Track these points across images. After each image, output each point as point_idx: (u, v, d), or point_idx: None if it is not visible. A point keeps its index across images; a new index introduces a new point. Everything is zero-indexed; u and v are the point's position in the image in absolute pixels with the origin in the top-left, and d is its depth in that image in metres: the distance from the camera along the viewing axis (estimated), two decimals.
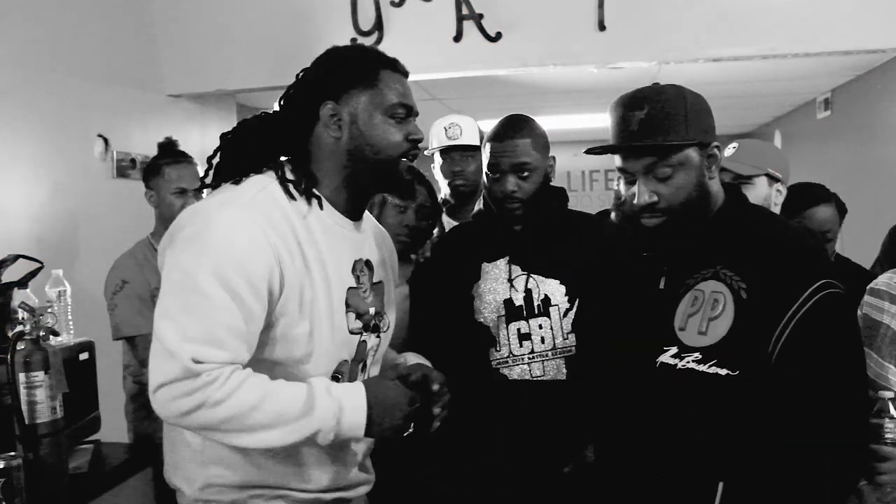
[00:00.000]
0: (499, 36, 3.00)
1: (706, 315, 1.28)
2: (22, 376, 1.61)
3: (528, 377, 1.79)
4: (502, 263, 1.83)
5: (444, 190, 2.51)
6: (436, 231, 2.24)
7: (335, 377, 1.33)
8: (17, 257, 1.89)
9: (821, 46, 2.88)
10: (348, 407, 1.23)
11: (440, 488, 1.88)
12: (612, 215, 2.64)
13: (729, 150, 2.15)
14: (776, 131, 6.92)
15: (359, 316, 1.38)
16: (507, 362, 1.80)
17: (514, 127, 1.82)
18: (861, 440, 1.26)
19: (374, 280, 1.44)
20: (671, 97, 1.30)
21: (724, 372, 1.25)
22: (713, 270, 1.30)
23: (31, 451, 1.62)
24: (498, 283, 1.82)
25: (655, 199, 1.30)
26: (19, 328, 1.66)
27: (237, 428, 1.19)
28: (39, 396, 1.62)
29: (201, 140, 3.66)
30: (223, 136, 1.40)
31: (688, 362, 1.28)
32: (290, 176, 1.33)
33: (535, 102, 5.33)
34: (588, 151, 1.42)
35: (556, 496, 1.75)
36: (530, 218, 1.83)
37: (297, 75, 1.41)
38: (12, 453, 1.55)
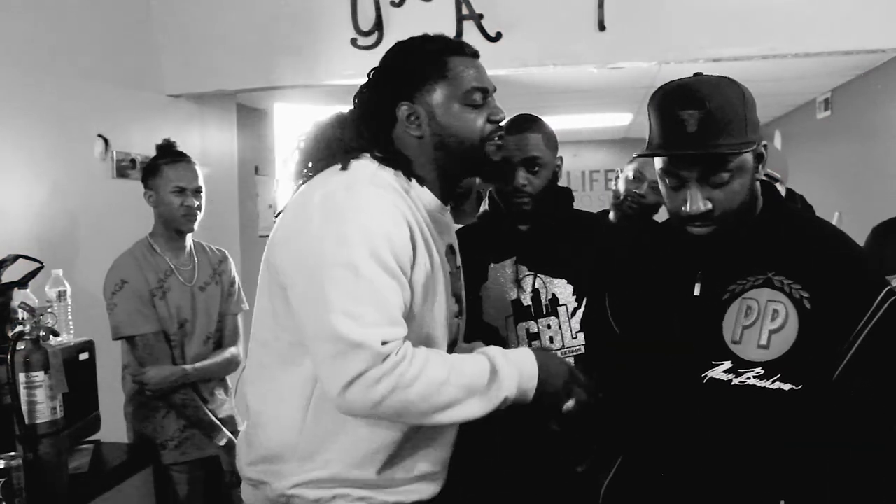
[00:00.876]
0: (499, 36, 3.00)
1: (766, 327, 1.18)
2: (22, 376, 1.61)
3: None
4: (509, 264, 1.83)
5: None
6: None
7: None
8: (17, 257, 1.89)
9: (821, 46, 2.88)
10: (525, 374, 1.25)
11: (453, 489, 1.87)
12: (612, 214, 2.64)
13: None
14: (776, 131, 6.91)
15: (457, 300, 1.41)
16: None
17: (526, 122, 1.83)
18: None
19: (457, 264, 1.47)
20: (731, 93, 1.17)
21: (787, 387, 1.16)
22: (764, 277, 1.20)
23: (31, 451, 1.62)
24: (505, 284, 1.82)
25: (710, 206, 1.18)
26: (19, 328, 1.66)
27: (432, 406, 1.18)
28: (39, 396, 1.62)
29: (201, 140, 3.66)
30: (301, 138, 1.40)
31: (748, 378, 1.18)
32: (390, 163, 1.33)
33: (535, 102, 5.32)
34: (642, 155, 1.31)
35: (567, 496, 1.75)
36: (537, 217, 1.83)
37: (369, 75, 1.40)
38: (12, 453, 1.56)
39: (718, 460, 1.22)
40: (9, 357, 1.62)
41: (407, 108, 1.32)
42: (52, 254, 2.48)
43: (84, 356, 1.97)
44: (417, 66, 1.34)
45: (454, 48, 1.36)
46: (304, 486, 1.28)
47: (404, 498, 1.32)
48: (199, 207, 2.32)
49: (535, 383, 1.26)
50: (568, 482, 1.72)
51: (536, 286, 1.80)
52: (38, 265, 1.92)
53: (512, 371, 1.24)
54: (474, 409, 1.21)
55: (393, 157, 1.33)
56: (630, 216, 2.49)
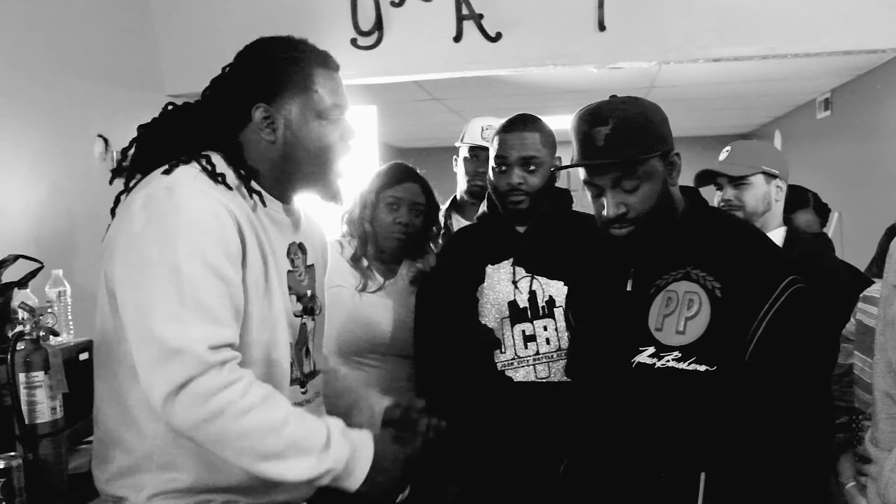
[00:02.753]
0: (499, 36, 3.00)
1: (682, 315, 1.32)
2: (22, 376, 1.61)
3: (533, 379, 1.79)
4: (506, 265, 1.83)
5: (461, 186, 2.50)
6: (434, 229, 2.23)
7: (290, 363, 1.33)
8: (17, 257, 1.89)
9: (821, 46, 2.88)
10: (359, 456, 1.21)
11: (448, 489, 1.88)
12: None
13: (722, 154, 2.17)
14: (776, 131, 6.92)
15: (299, 298, 1.37)
16: (512, 364, 1.80)
17: (524, 121, 1.83)
18: (830, 426, 1.37)
19: (308, 263, 1.44)
20: (632, 110, 1.35)
21: (703, 368, 1.29)
22: (684, 271, 1.35)
23: (31, 451, 1.62)
24: (502, 285, 1.82)
25: (624, 210, 1.34)
26: (19, 328, 1.67)
27: (254, 449, 1.13)
28: (39, 396, 1.62)
29: None
30: (141, 127, 1.39)
31: (667, 361, 1.32)
32: (220, 167, 1.27)
33: (535, 102, 5.32)
34: (556, 169, 1.48)
35: (560, 496, 1.75)
36: (534, 217, 1.83)
37: (224, 69, 1.37)
38: (12, 453, 1.55)
39: (646, 438, 1.35)
40: (9, 357, 1.62)
41: (264, 111, 1.29)
42: (52, 254, 2.48)
43: (84, 356, 1.97)
44: (281, 71, 1.30)
45: (319, 59, 1.34)
46: (163, 497, 1.24)
47: (273, 498, 1.29)
48: None
49: (365, 467, 1.20)
50: (548, 483, 1.72)
51: (533, 288, 1.80)
52: (38, 265, 1.92)
53: (345, 447, 1.19)
54: (297, 470, 1.15)
55: (233, 162, 1.30)
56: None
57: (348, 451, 1.19)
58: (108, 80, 3.04)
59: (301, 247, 1.42)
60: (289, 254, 1.37)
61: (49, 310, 1.77)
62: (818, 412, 1.32)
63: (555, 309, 1.80)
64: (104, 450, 1.30)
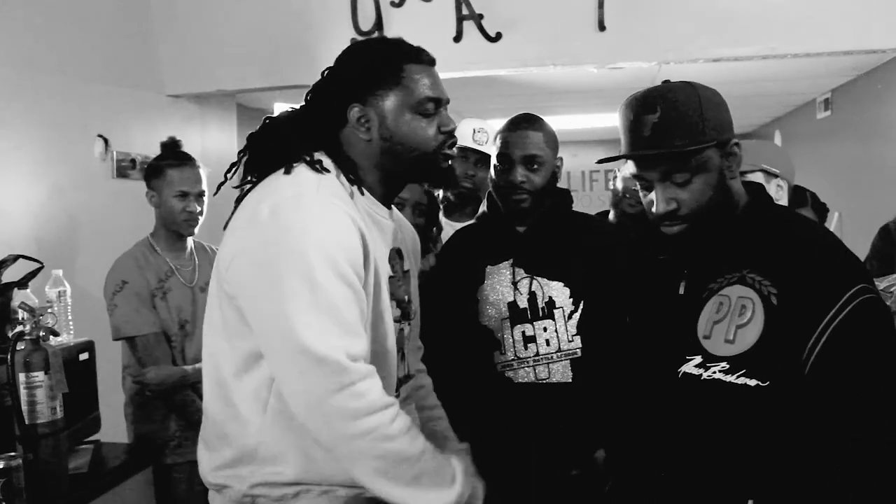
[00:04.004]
0: (499, 36, 3.00)
1: (733, 322, 1.20)
2: (22, 376, 1.61)
3: (533, 380, 1.79)
4: (506, 266, 1.82)
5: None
6: (434, 230, 2.24)
7: None
8: (17, 257, 1.89)
9: (821, 46, 2.88)
10: (476, 495, 1.26)
11: None
12: (611, 214, 2.64)
13: None
14: (776, 131, 6.92)
15: (398, 304, 1.39)
16: (512, 365, 1.80)
17: (527, 120, 1.83)
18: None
19: (405, 268, 1.45)
20: (683, 96, 1.22)
21: (752, 383, 1.16)
22: (739, 275, 1.22)
23: (31, 451, 1.62)
24: (502, 286, 1.82)
25: (675, 206, 1.22)
26: (19, 328, 1.67)
27: (384, 471, 1.16)
28: (39, 396, 1.62)
29: (201, 140, 3.66)
30: (251, 136, 1.38)
31: (714, 372, 1.20)
32: (328, 166, 1.30)
33: (535, 102, 5.32)
34: (601, 161, 1.36)
35: (563, 499, 1.75)
36: (534, 216, 1.83)
37: (323, 73, 1.39)
38: (12, 453, 1.56)
39: (690, 456, 1.24)
40: (9, 357, 1.62)
41: (358, 111, 1.31)
42: (52, 254, 2.48)
43: (84, 356, 1.97)
44: (372, 69, 1.32)
45: (411, 55, 1.34)
46: (266, 486, 1.28)
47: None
48: (200, 212, 2.32)
49: None
50: (562, 486, 1.72)
51: (533, 288, 1.80)
52: (38, 265, 1.92)
53: (467, 487, 1.23)
54: (419, 500, 1.18)
55: (339, 160, 1.32)
56: (630, 214, 2.49)
57: (468, 492, 1.23)
58: (108, 80, 3.05)
59: (399, 252, 1.42)
60: (390, 260, 1.37)
61: (49, 310, 1.77)
62: (888, 439, 1.12)
63: (555, 310, 1.79)
64: (210, 441, 1.34)
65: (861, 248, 2.78)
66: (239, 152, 1.37)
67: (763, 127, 7.43)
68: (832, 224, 4.72)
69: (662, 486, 1.27)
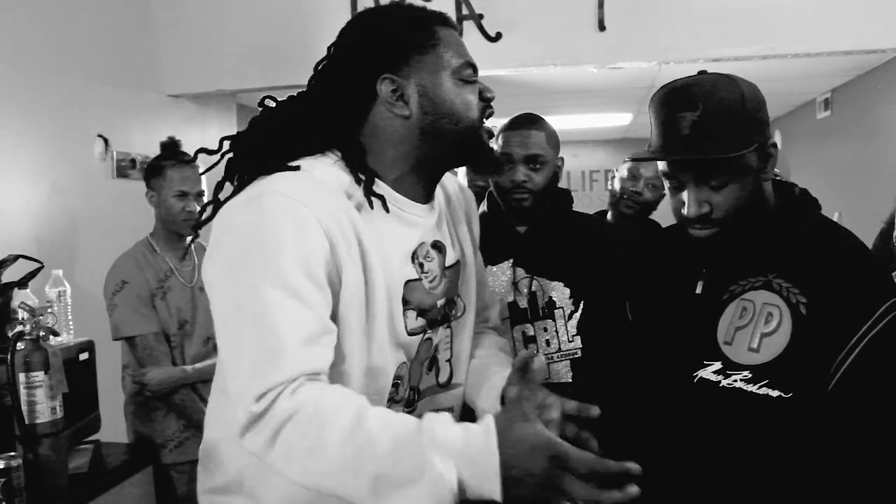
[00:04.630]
0: (499, 36, 3.00)
1: (758, 330, 1.14)
2: (22, 376, 1.61)
3: None
4: (506, 266, 1.82)
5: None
6: None
7: (395, 382, 1.14)
8: (17, 257, 1.89)
9: (821, 46, 2.88)
10: (481, 462, 0.88)
11: None
12: (609, 214, 2.64)
13: None
14: (776, 131, 6.92)
15: (421, 313, 1.16)
16: None
17: (529, 120, 1.83)
18: None
19: (448, 263, 1.21)
20: (727, 93, 1.12)
21: (775, 393, 1.11)
22: (764, 279, 1.16)
23: (31, 451, 1.62)
24: (502, 287, 1.82)
25: (707, 209, 1.15)
26: (19, 328, 1.67)
27: (339, 490, 0.91)
28: (39, 396, 1.62)
29: (201, 140, 3.64)
30: (233, 137, 1.17)
31: (735, 381, 1.14)
32: (329, 172, 1.10)
33: (535, 102, 5.32)
34: (633, 159, 1.27)
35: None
36: (535, 216, 1.83)
37: (329, 49, 1.17)
38: (12, 453, 1.56)
39: (701, 461, 1.19)
40: (9, 357, 1.62)
41: (390, 82, 1.09)
42: (52, 254, 2.48)
43: (84, 356, 1.97)
44: (403, 33, 1.11)
45: (439, 18, 1.14)
46: None
47: None
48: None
49: (492, 473, 0.87)
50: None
51: (533, 289, 1.80)
52: (38, 265, 1.92)
53: (450, 465, 0.87)
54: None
55: (350, 153, 1.12)
56: (628, 215, 2.50)
57: (454, 470, 0.87)
58: (108, 80, 3.05)
59: (437, 245, 1.19)
60: (415, 259, 1.15)
61: (49, 310, 1.77)
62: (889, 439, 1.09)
63: (555, 310, 1.79)
64: (206, 460, 1.20)
65: None
66: (220, 152, 1.17)
67: None
68: None
69: (670, 490, 1.22)
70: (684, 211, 1.17)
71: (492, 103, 1.18)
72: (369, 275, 1.07)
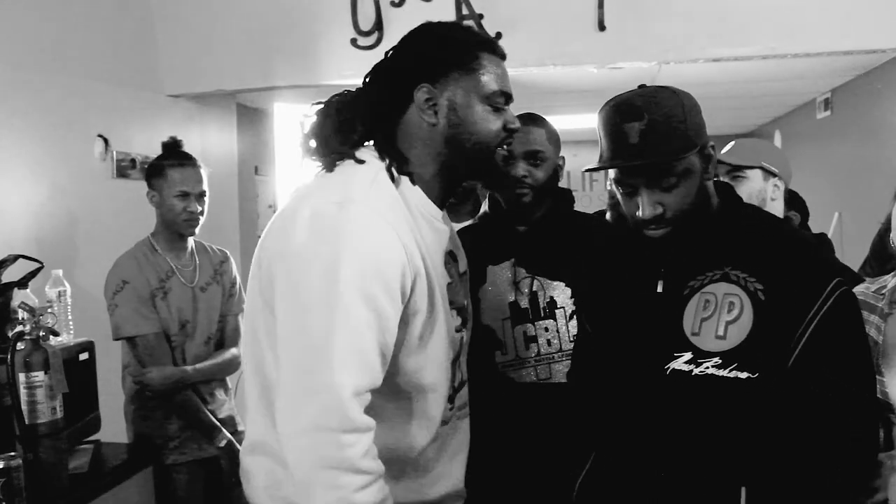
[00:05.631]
0: (499, 36, 3.00)
1: (723, 318, 1.23)
2: (22, 376, 1.62)
3: (534, 380, 1.78)
4: (508, 266, 1.82)
5: None
6: None
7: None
8: (17, 257, 1.89)
9: (821, 46, 2.88)
10: None
11: None
12: (608, 215, 2.65)
13: (726, 147, 2.20)
14: (776, 131, 6.91)
15: (459, 312, 1.30)
16: (513, 365, 1.80)
17: (530, 118, 1.84)
18: (876, 437, 1.26)
19: (461, 271, 1.37)
20: (668, 102, 1.24)
21: (744, 375, 1.21)
22: (721, 272, 1.26)
23: (31, 451, 1.62)
24: (503, 286, 1.82)
25: (661, 210, 1.24)
26: (19, 328, 1.67)
27: None
28: (39, 396, 1.63)
29: (201, 140, 3.65)
30: (315, 113, 1.29)
31: (706, 368, 1.23)
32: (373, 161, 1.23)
33: (535, 102, 5.31)
34: (589, 170, 1.35)
35: (564, 499, 1.75)
36: (535, 216, 1.83)
37: (387, 53, 1.31)
38: (12, 453, 1.56)
39: (683, 450, 1.26)
40: (9, 357, 1.62)
41: (426, 91, 1.22)
42: (52, 254, 2.48)
43: (84, 356, 1.97)
44: (447, 51, 1.24)
45: (486, 44, 1.27)
46: None
47: None
48: (201, 212, 2.32)
49: None
50: (564, 486, 1.72)
51: (534, 288, 1.80)
52: (38, 265, 1.92)
53: None
54: None
55: (391, 153, 1.24)
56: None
57: None
58: (108, 80, 3.05)
59: (452, 255, 1.34)
60: (446, 264, 1.29)
61: (49, 310, 1.77)
62: (866, 423, 1.22)
63: (556, 310, 1.79)
64: (249, 452, 1.27)
65: (862, 247, 2.77)
66: (305, 134, 1.28)
67: (763, 127, 7.42)
68: (832, 224, 4.72)
69: (657, 479, 1.29)
70: (639, 213, 1.26)
71: (514, 133, 1.29)
72: (431, 280, 1.20)
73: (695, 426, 1.25)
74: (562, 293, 1.79)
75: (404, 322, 1.16)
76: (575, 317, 1.78)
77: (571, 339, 1.78)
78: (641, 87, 1.28)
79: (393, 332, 1.13)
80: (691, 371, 1.24)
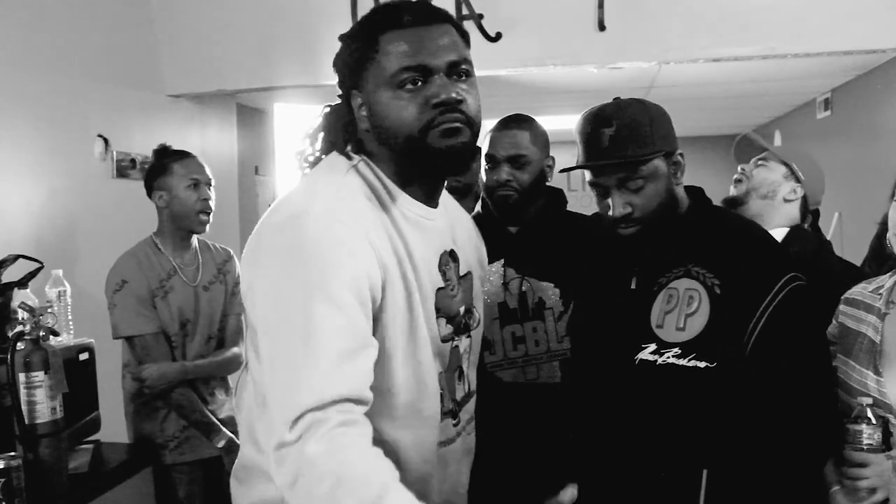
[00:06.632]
0: (499, 36, 3.00)
1: (683, 312, 1.33)
2: (22, 376, 1.62)
3: (522, 380, 1.79)
4: (497, 266, 1.82)
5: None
6: None
7: (441, 394, 1.16)
8: (17, 257, 1.89)
9: (821, 46, 2.88)
10: None
11: None
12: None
13: (777, 138, 2.27)
14: (776, 131, 6.91)
15: (449, 320, 1.19)
16: (501, 365, 1.80)
17: (515, 120, 1.84)
18: (831, 420, 1.34)
19: (462, 272, 1.24)
20: (636, 112, 1.36)
21: (702, 364, 1.30)
22: (685, 269, 1.36)
23: (31, 451, 1.62)
24: (493, 287, 1.82)
25: (630, 209, 1.35)
26: (19, 328, 1.67)
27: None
28: (39, 396, 1.63)
29: (201, 140, 3.66)
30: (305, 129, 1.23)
31: (668, 357, 1.33)
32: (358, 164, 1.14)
33: (535, 102, 5.32)
34: (563, 171, 1.48)
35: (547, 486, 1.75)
36: (526, 217, 1.83)
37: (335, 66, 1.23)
38: (12, 453, 1.56)
39: (648, 435, 1.35)
40: (9, 357, 1.62)
41: (358, 98, 1.12)
42: (52, 254, 2.48)
43: (84, 356, 1.97)
44: (355, 46, 1.11)
45: (391, 20, 1.09)
46: None
47: None
48: (212, 201, 2.32)
49: None
50: (539, 482, 1.72)
51: (523, 289, 1.80)
52: (38, 265, 1.92)
53: None
54: None
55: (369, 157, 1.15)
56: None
57: None
58: (108, 80, 3.05)
59: (453, 255, 1.22)
60: (440, 266, 1.17)
61: (49, 310, 1.77)
62: (819, 408, 1.31)
63: (545, 311, 1.79)
64: (243, 472, 1.20)
65: (862, 247, 2.77)
66: (311, 134, 1.22)
67: (763, 127, 7.42)
68: (832, 224, 4.72)
69: (623, 463, 1.37)
70: (611, 212, 1.37)
71: (452, 104, 1.07)
72: (409, 285, 1.09)
73: (659, 412, 1.34)
74: (551, 294, 1.79)
75: (384, 328, 1.07)
76: (563, 317, 1.78)
77: (559, 339, 1.78)
78: (616, 99, 1.40)
79: (368, 333, 1.03)
80: (655, 361, 1.33)
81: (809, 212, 2.22)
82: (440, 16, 1.11)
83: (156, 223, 2.35)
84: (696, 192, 1.47)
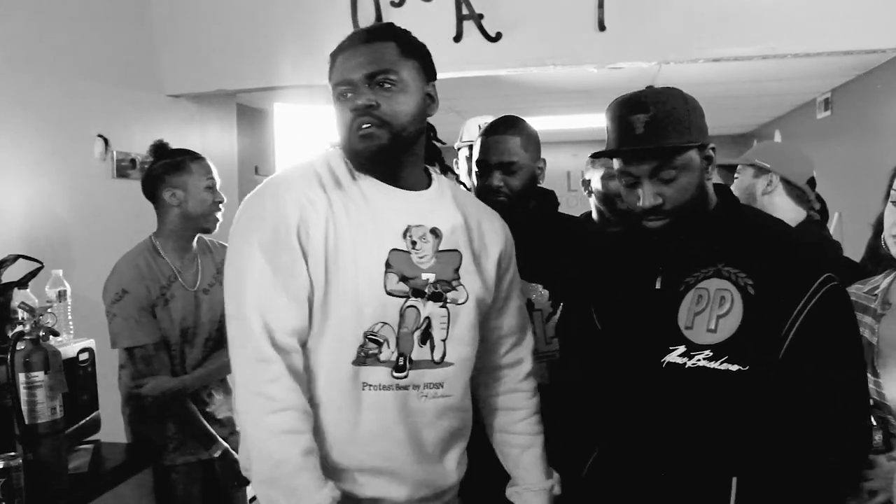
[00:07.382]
0: (499, 36, 3.00)
1: (714, 313, 1.28)
2: (22, 376, 1.62)
3: None
4: None
5: (466, 184, 2.50)
6: None
7: (372, 339, 1.32)
8: (17, 257, 1.89)
9: (821, 46, 2.88)
10: None
11: None
12: (594, 215, 2.64)
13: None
14: (776, 131, 6.91)
15: (404, 279, 1.33)
16: None
17: (505, 125, 1.83)
18: (868, 430, 1.29)
19: (443, 247, 1.39)
20: (673, 99, 1.31)
21: (735, 368, 1.25)
22: (714, 268, 1.31)
23: (31, 451, 1.62)
24: None
25: (661, 201, 1.30)
26: (19, 328, 1.67)
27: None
28: (39, 396, 1.63)
29: (201, 140, 3.65)
30: None
31: (698, 360, 1.27)
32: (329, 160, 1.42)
33: (535, 102, 5.32)
34: (594, 156, 1.42)
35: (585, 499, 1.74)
36: (517, 217, 1.83)
37: None
38: (12, 453, 1.56)
39: (677, 440, 1.31)
40: (9, 357, 1.62)
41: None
42: (52, 254, 2.48)
43: (84, 356, 1.97)
44: (329, 66, 1.40)
45: (342, 44, 1.39)
46: None
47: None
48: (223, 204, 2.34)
49: None
50: (571, 486, 1.71)
51: None
52: (38, 265, 1.92)
53: None
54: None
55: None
56: (614, 216, 2.50)
57: None
58: (108, 80, 3.05)
59: (435, 231, 1.39)
60: (406, 234, 1.36)
61: (49, 310, 1.77)
62: (856, 414, 1.26)
63: (533, 312, 1.78)
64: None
65: (862, 247, 2.77)
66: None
67: (763, 127, 7.42)
68: (832, 224, 4.72)
69: (654, 472, 1.33)
70: (639, 204, 1.31)
71: (361, 109, 1.31)
72: (338, 240, 1.30)
73: (688, 417, 1.30)
74: (539, 295, 1.79)
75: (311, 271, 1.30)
76: (552, 319, 1.78)
77: (548, 341, 1.77)
78: (649, 87, 1.36)
79: (298, 276, 1.28)
80: (685, 364, 1.28)
81: (814, 198, 2.26)
82: (382, 35, 1.38)
83: (155, 223, 2.32)
84: (723, 190, 1.42)
